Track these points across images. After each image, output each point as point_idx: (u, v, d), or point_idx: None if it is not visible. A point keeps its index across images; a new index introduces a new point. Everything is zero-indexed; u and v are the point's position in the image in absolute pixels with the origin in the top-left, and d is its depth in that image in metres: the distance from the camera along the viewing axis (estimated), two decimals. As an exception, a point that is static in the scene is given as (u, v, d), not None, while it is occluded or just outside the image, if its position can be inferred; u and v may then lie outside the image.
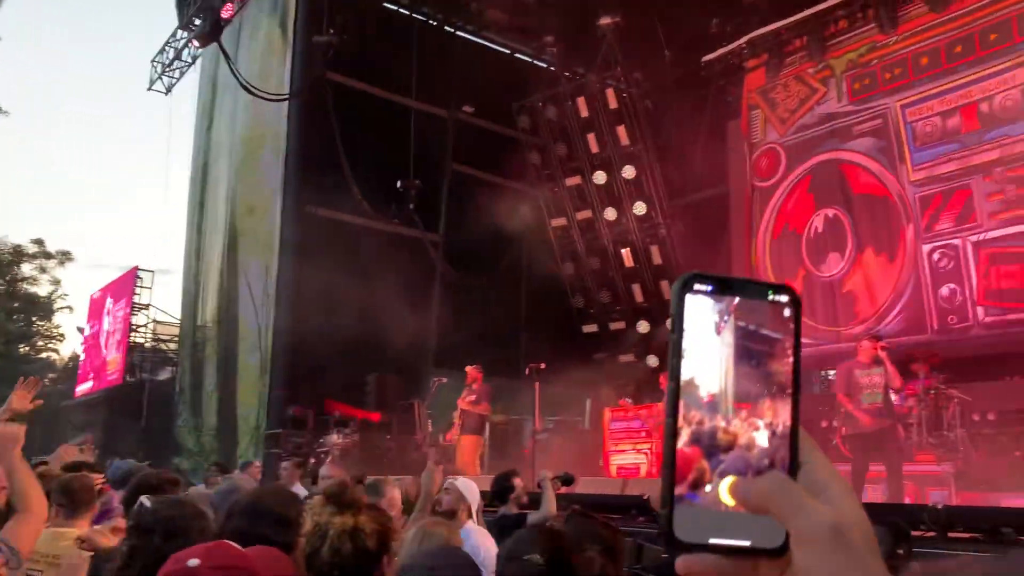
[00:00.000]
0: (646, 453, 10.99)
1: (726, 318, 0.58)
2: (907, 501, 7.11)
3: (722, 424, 0.57)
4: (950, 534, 4.94)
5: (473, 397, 10.54)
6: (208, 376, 16.01)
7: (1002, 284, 10.21)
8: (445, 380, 11.36)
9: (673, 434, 0.56)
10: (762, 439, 0.57)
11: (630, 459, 11.06)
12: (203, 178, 17.49)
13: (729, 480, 0.56)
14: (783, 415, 0.58)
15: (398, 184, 13.52)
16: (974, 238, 10.51)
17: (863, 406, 7.62)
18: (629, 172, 13.40)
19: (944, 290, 10.76)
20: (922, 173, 11.12)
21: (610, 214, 13.74)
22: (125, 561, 1.98)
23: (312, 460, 11.39)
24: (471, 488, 4.61)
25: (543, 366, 10.82)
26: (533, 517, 4.72)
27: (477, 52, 15.40)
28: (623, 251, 13.82)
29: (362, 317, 12.35)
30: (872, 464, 7.59)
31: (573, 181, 14.10)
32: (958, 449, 8.29)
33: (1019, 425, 8.63)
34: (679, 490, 0.56)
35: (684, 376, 0.57)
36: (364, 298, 12.35)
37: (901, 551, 3.98)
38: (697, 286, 0.58)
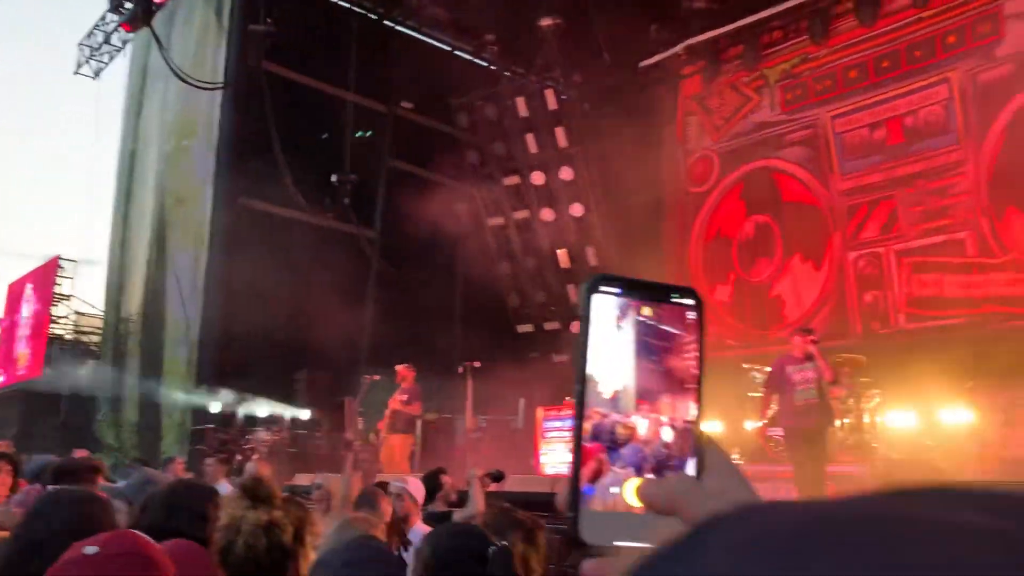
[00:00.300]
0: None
1: (631, 318, 0.59)
2: None
3: (623, 419, 0.58)
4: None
5: (405, 397, 10.46)
6: (131, 370, 15.54)
7: (922, 292, 10.58)
8: (378, 377, 11.24)
9: (580, 439, 0.57)
10: (663, 434, 0.59)
11: (561, 458, 11.12)
12: (130, 166, 16.97)
13: (636, 482, 0.57)
14: (684, 412, 0.60)
15: (333, 178, 13.34)
16: (897, 247, 10.86)
17: (797, 403, 7.47)
18: (567, 173, 13.48)
19: (868, 296, 11.10)
20: (849, 183, 11.44)
21: (547, 215, 13.79)
22: (21, 547, 1.90)
23: (239, 457, 11.17)
24: (420, 490, 4.63)
25: (477, 364, 10.82)
26: (459, 515, 4.71)
27: (417, 48, 15.29)
28: (559, 251, 13.89)
29: (293, 312, 12.16)
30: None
31: (511, 181, 14.11)
32: (876, 451, 8.54)
33: (934, 428, 8.94)
34: (581, 484, 0.56)
35: (589, 373, 0.58)
36: (296, 293, 12.17)
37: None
38: (604, 287, 0.59)
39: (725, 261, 12.71)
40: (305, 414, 12.35)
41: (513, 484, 7.70)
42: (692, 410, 0.60)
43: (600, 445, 0.58)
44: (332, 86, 14.07)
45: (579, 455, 0.57)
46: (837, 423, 8.30)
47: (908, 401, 9.03)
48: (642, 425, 0.59)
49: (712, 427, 10.55)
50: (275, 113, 13.19)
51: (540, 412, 11.42)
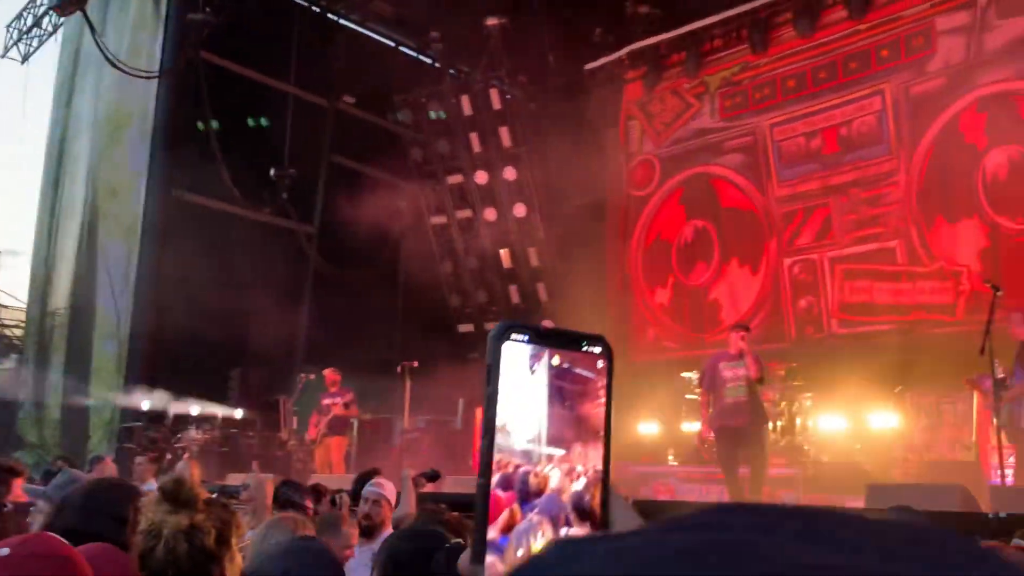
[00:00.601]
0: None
1: (541, 366, 0.59)
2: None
3: (535, 468, 0.59)
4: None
5: (341, 400, 10.31)
6: (55, 365, 15.02)
7: (854, 298, 10.85)
8: (313, 376, 11.09)
9: (487, 493, 0.57)
10: (574, 483, 0.60)
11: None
12: (59, 155, 16.40)
13: (546, 535, 0.57)
14: (594, 460, 0.60)
15: (272, 172, 13.10)
16: (831, 254, 11.12)
17: (726, 401, 7.38)
18: (510, 174, 13.47)
19: (802, 302, 11.33)
20: (786, 190, 11.67)
21: (490, 214, 13.76)
22: None
23: (169, 456, 10.90)
24: (389, 489, 4.55)
25: (416, 364, 10.73)
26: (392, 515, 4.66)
27: (360, 42, 15.13)
28: (502, 252, 13.87)
29: (228, 309, 11.89)
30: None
31: (454, 179, 14.05)
32: (807, 453, 8.73)
33: (862, 431, 9.18)
34: (492, 535, 0.56)
35: (500, 423, 0.58)
36: (231, 289, 11.90)
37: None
38: (513, 336, 0.59)
39: (664, 264, 12.85)
40: (238, 413, 12.10)
41: (450, 485, 7.65)
42: (601, 458, 0.60)
43: (514, 495, 0.58)
44: (272, 78, 13.83)
45: (486, 509, 0.56)
46: (770, 425, 8.20)
47: (839, 405, 9.25)
48: (555, 475, 0.59)
49: (650, 428, 10.67)
50: (213, 104, 12.90)
51: (479, 413, 11.39)
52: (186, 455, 10.36)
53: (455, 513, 2.81)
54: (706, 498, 8.13)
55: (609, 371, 0.62)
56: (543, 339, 0.60)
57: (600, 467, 0.60)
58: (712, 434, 7.79)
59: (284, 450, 11.51)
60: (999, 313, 6.54)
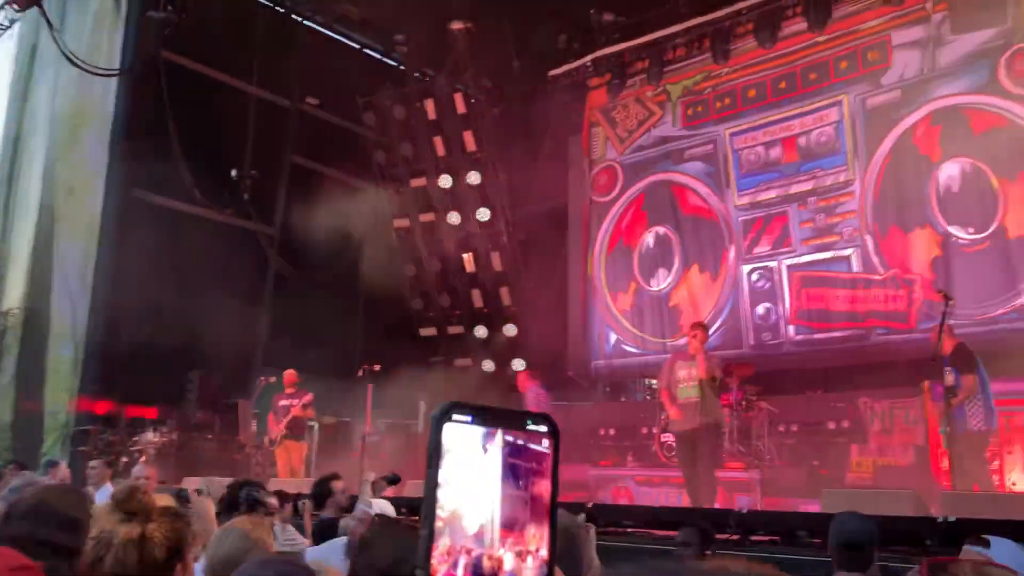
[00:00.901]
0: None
1: (495, 446, 0.58)
2: (716, 505, 7.27)
3: (488, 551, 0.58)
4: (752, 537, 5.24)
5: (300, 401, 10.24)
6: (6, 368, 14.68)
7: (810, 305, 11.03)
8: (273, 379, 10.99)
9: None
10: (525, 565, 0.60)
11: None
12: (14, 153, 16.03)
13: None
14: (544, 539, 0.60)
15: (233, 173, 12.97)
16: (788, 262, 11.31)
17: (678, 401, 7.37)
18: (474, 178, 13.48)
19: (760, 308, 11.51)
20: (745, 198, 11.84)
21: (454, 218, 13.76)
22: None
23: (125, 459, 10.74)
24: (389, 511, 4.52)
25: (377, 368, 10.70)
26: (344, 522, 4.62)
27: (325, 43, 15.02)
28: (465, 256, 13.86)
29: (188, 310, 11.73)
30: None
31: (418, 183, 14.02)
32: (764, 457, 8.86)
33: (818, 436, 9.35)
34: None
35: (450, 506, 0.57)
36: (190, 290, 11.75)
37: (708, 552, 4.20)
38: (456, 416, 0.58)
39: (626, 270, 12.96)
40: (196, 416, 11.94)
41: (412, 489, 7.64)
42: (548, 538, 0.60)
43: None
44: (234, 78, 13.69)
45: None
46: (723, 427, 8.15)
47: (795, 409, 9.40)
48: (508, 558, 0.59)
49: (609, 432, 10.74)
50: (174, 104, 12.73)
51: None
52: (143, 458, 10.22)
53: (413, 519, 2.79)
54: (664, 502, 8.21)
55: (555, 449, 0.61)
56: (487, 419, 0.59)
57: (545, 548, 0.59)
58: (669, 436, 7.88)
59: (242, 453, 11.39)
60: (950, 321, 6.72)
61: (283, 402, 10.38)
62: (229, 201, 13.11)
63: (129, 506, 1.84)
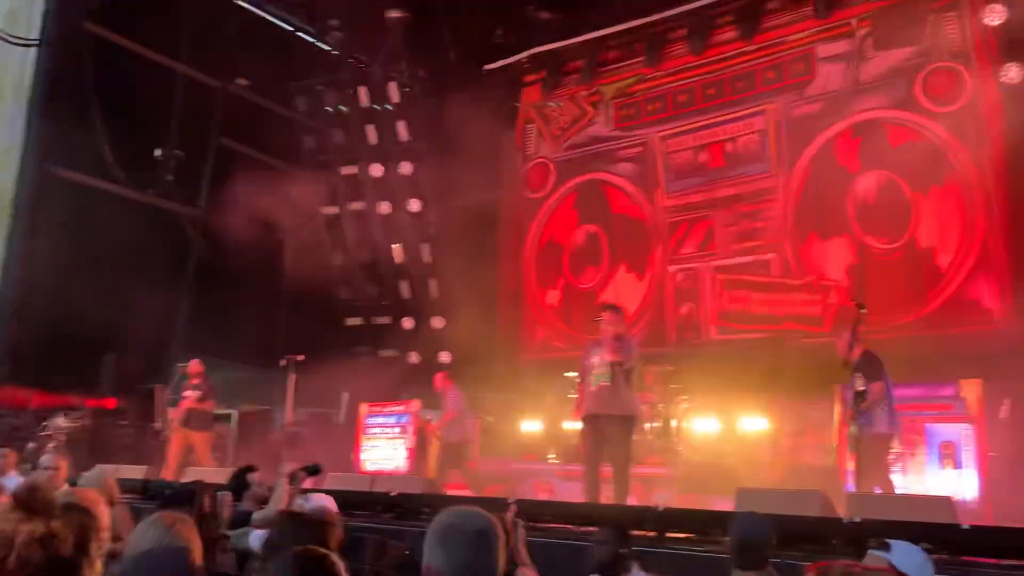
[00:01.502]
0: (398, 449, 11.04)
1: None
2: (632, 502, 7.08)
3: None
4: (667, 534, 5.36)
5: (199, 393, 10.00)
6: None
7: (732, 307, 11.33)
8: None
9: None
10: None
11: (382, 455, 11.06)
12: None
13: None
14: None
15: (157, 152, 12.59)
16: (712, 264, 11.58)
17: (591, 388, 6.95)
18: (406, 168, 13.40)
19: (684, 308, 11.76)
20: (673, 201, 12.08)
21: (384, 208, 13.65)
22: None
23: (32, 445, 10.35)
24: (330, 505, 4.40)
25: (301, 357, 10.56)
26: (258, 514, 4.57)
27: (257, 24, 14.68)
28: (394, 246, 13.77)
29: (104, 292, 11.36)
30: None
31: (349, 170, 13.85)
32: (681, 454, 9.06)
33: (734, 434, 9.60)
34: None
35: None
36: (108, 271, 11.39)
37: (624, 550, 4.27)
38: None
39: (556, 266, 13.07)
40: (111, 401, 11.59)
41: (332, 482, 7.58)
42: None
43: None
44: (162, 55, 13.27)
45: None
46: (636, 418, 7.40)
47: (713, 408, 9.63)
48: None
49: (533, 427, 10.83)
50: (96, 78, 12.29)
51: (364, 408, 11.31)
52: (52, 444, 9.87)
53: (323, 522, 2.75)
54: (584, 497, 8.29)
55: None
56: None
57: None
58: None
59: (158, 440, 11.10)
60: (862, 328, 6.97)
61: (185, 393, 10.11)
62: (152, 181, 12.74)
63: (31, 504, 1.79)
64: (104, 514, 2.52)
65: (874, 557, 2.72)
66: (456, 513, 1.90)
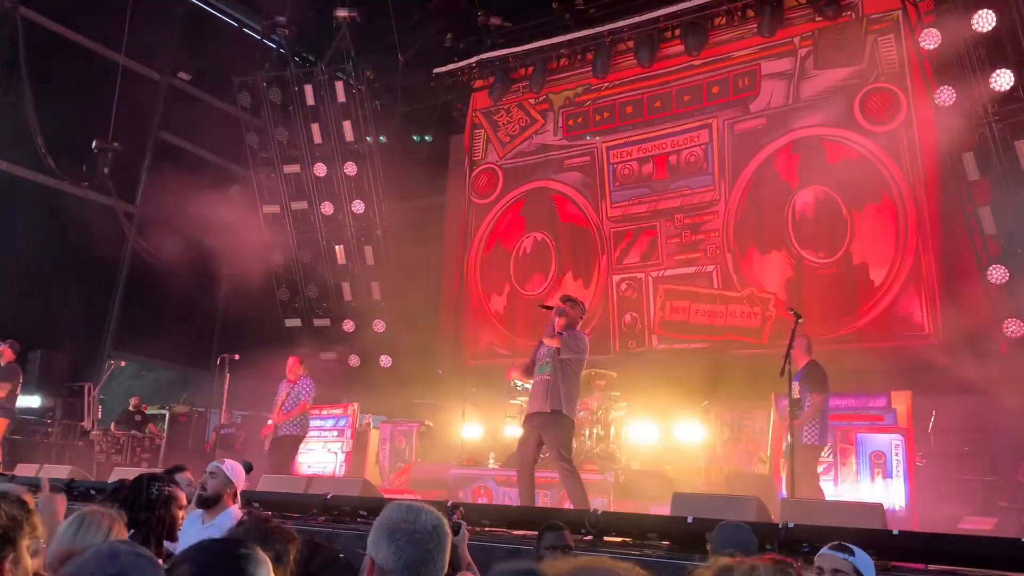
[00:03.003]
0: (335, 453, 10.88)
1: None
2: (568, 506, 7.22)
3: None
4: (605, 538, 5.37)
5: None
6: None
7: (673, 316, 11.46)
8: (124, 363, 10.43)
9: None
10: None
11: (319, 458, 10.89)
12: None
13: None
14: None
15: (94, 145, 12.23)
16: (655, 274, 11.70)
17: (535, 381, 6.69)
18: (351, 169, 13.24)
19: (627, 317, 11.85)
20: (618, 211, 12.18)
21: (327, 208, 13.47)
22: None
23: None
24: (237, 471, 4.37)
25: (236, 357, 10.34)
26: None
27: (202, 18, 14.42)
28: (337, 247, 13.59)
29: (35, 285, 11.00)
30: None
31: (291, 169, 13.63)
32: (619, 461, 9.10)
33: (670, 442, 9.70)
34: None
35: None
36: (39, 264, 11.02)
37: (566, 552, 4.26)
38: None
39: (502, 272, 13.06)
40: (36, 399, 11.18)
41: (267, 483, 7.43)
42: None
43: None
44: (101, 45, 12.92)
45: None
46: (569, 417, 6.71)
47: (651, 415, 9.71)
48: None
49: (474, 431, 10.78)
50: (30, 66, 11.90)
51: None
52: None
53: (282, 528, 2.67)
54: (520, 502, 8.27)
55: None
56: None
57: None
58: None
59: (86, 440, 10.75)
60: (798, 339, 7.11)
61: None
62: (87, 174, 12.36)
63: None
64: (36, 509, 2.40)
65: (832, 558, 2.95)
66: (406, 508, 1.85)
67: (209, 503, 4.28)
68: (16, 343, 9.67)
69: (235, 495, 4.38)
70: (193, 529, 3.97)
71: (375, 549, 1.80)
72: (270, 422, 8.87)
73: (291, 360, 9.27)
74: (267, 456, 8.63)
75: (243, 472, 4.49)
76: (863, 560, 2.97)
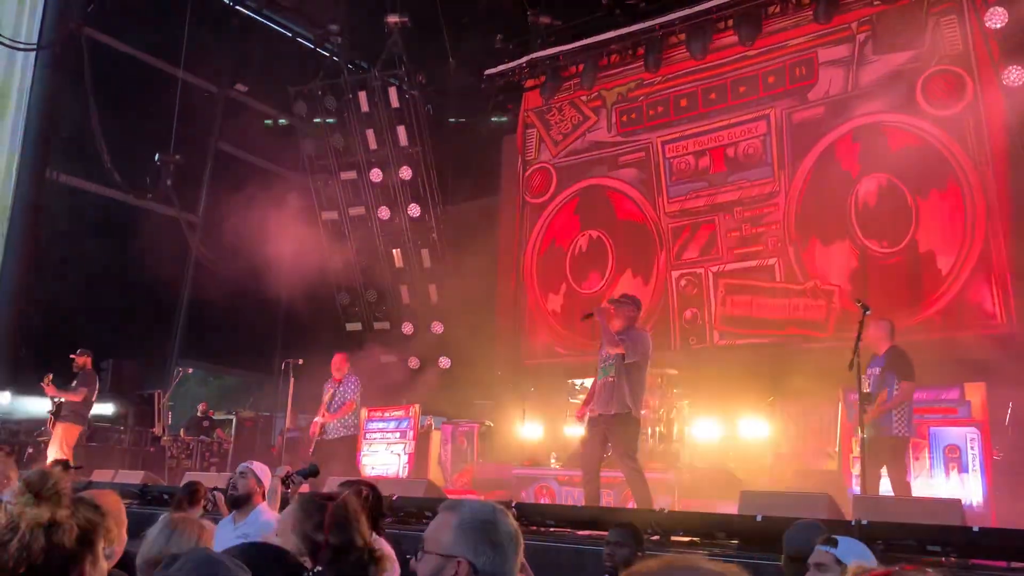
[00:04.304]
0: (398, 454, 10.98)
1: None
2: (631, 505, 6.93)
3: None
4: (672, 537, 5.31)
5: (72, 383, 9.82)
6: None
7: (734, 311, 11.28)
8: (191, 371, 10.68)
9: None
10: None
11: (382, 459, 11.00)
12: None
13: None
14: None
15: (156, 158, 12.56)
16: (715, 268, 11.53)
17: (597, 384, 6.68)
18: (406, 173, 13.37)
19: (687, 313, 11.70)
20: (675, 206, 12.04)
21: (384, 213, 13.61)
22: None
23: (30, 450, 10.30)
24: (265, 471, 4.56)
25: (300, 362, 10.50)
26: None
27: (257, 30, 14.70)
28: (394, 251, 13.73)
29: (104, 297, 11.33)
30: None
31: (348, 175, 13.82)
32: (684, 459, 9.00)
33: (735, 439, 9.55)
34: None
35: None
36: (107, 277, 11.35)
37: (640, 552, 4.24)
38: None
39: (558, 271, 13.01)
40: (109, 407, 11.52)
41: (333, 487, 7.51)
42: None
43: None
44: (161, 60, 13.26)
45: None
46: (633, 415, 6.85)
47: (715, 413, 9.58)
48: None
49: (535, 431, 10.77)
50: (95, 83, 12.28)
51: (364, 413, 11.23)
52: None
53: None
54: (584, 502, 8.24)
55: None
56: None
57: None
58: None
59: (157, 446, 11.04)
60: (880, 322, 6.93)
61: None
62: (151, 186, 12.70)
63: (41, 490, 1.74)
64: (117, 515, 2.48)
65: (820, 553, 2.94)
66: (492, 509, 1.81)
67: (240, 503, 4.45)
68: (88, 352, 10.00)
69: (264, 494, 4.53)
70: (226, 530, 4.11)
71: (471, 551, 1.71)
72: (317, 419, 8.83)
73: (337, 357, 9.13)
74: (311, 457, 8.60)
75: (269, 472, 4.63)
76: (848, 548, 2.92)
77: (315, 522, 2.44)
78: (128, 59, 13.07)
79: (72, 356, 9.92)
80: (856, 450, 6.82)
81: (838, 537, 2.98)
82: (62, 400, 9.66)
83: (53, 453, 9.29)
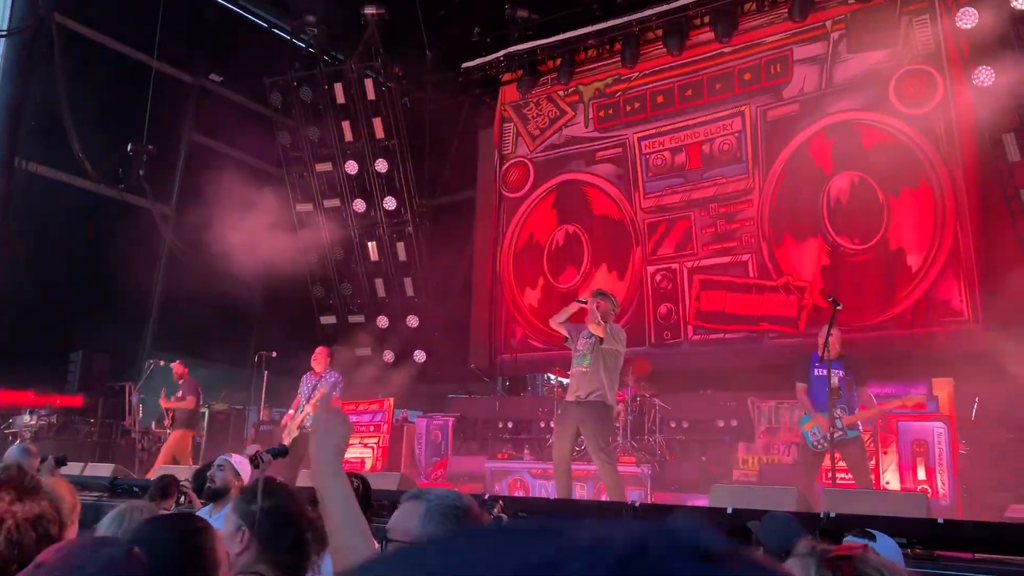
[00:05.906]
0: (372, 447, 10.96)
1: None
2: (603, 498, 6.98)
3: None
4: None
5: (179, 393, 9.92)
6: None
7: (708, 307, 11.36)
8: (163, 363, 10.59)
9: None
10: None
11: (355, 453, 10.97)
12: None
13: None
14: None
15: (128, 148, 12.41)
16: (690, 264, 11.61)
17: (572, 372, 6.69)
18: (382, 166, 13.31)
19: (662, 308, 11.77)
20: (651, 202, 12.09)
21: (359, 206, 13.55)
22: None
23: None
24: (244, 465, 4.47)
25: (274, 355, 10.45)
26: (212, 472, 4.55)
27: (231, 20, 14.56)
28: (369, 244, 13.67)
29: (74, 288, 11.19)
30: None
31: (323, 167, 13.73)
32: (655, 453, 9.06)
33: (707, 433, 9.64)
34: None
35: None
36: (78, 267, 11.20)
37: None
38: None
39: (535, 266, 13.02)
40: (78, 399, 11.39)
41: (304, 479, 7.50)
42: None
43: None
44: (134, 49, 13.10)
45: None
46: (614, 407, 6.94)
47: (688, 406, 9.66)
48: None
49: (509, 425, 10.80)
50: (66, 71, 12.10)
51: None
52: (17, 443, 9.68)
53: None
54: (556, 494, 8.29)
55: None
56: None
57: None
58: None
59: (127, 439, 10.94)
60: (835, 329, 7.00)
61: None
62: (123, 176, 12.55)
63: (21, 486, 1.73)
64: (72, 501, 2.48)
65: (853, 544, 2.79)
66: (456, 495, 1.84)
67: (218, 495, 4.37)
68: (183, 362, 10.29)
69: (241, 487, 4.50)
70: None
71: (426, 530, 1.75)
72: (290, 411, 8.72)
73: (320, 350, 8.87)
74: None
75: (248, 466, 4.57)
76: (886, 545, 2.76)
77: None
78: (100, 47, 12.90)
79: (172, 366, 10.24)
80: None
81: (875, 532, 2.81)
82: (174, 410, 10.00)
83: (166, 458, 9.47)
